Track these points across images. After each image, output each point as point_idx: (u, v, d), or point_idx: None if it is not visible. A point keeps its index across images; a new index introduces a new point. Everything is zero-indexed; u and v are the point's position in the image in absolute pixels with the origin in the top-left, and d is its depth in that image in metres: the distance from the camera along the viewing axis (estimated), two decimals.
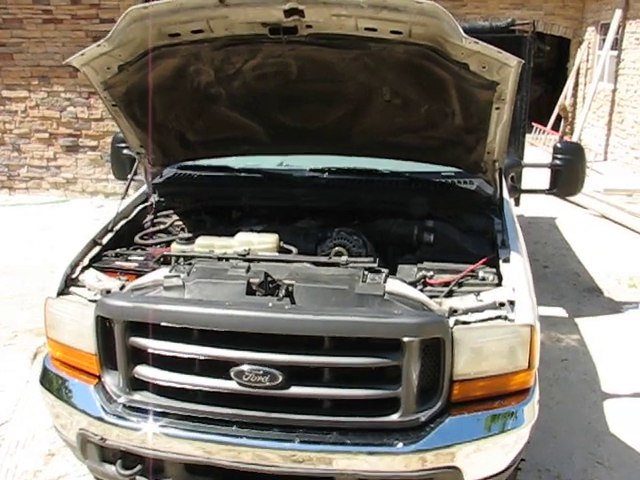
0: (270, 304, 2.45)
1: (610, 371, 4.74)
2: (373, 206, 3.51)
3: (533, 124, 14.47)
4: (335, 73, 3.08)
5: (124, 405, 2.62)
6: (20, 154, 10.18)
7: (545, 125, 14.92)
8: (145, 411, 2.59)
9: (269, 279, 2.57)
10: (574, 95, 15.16)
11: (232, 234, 3.19)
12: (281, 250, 3.11)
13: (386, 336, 2.38)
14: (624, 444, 3.89)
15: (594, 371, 4.76)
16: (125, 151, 4.11)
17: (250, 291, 2.57)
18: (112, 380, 2.66)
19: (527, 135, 6.83)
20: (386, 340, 2.38)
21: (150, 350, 2.56)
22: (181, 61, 3.05)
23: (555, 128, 14.87)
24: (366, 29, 2.72)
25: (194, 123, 3.53)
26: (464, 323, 2.49)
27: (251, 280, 2.58)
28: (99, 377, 2.71)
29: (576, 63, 14.92)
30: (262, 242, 3.09)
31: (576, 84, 15.09)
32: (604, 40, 13.51)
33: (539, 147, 14.21)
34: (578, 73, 14.97)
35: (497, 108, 2.84)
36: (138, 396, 2.61)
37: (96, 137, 9.95)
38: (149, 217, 3.66)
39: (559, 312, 5.80)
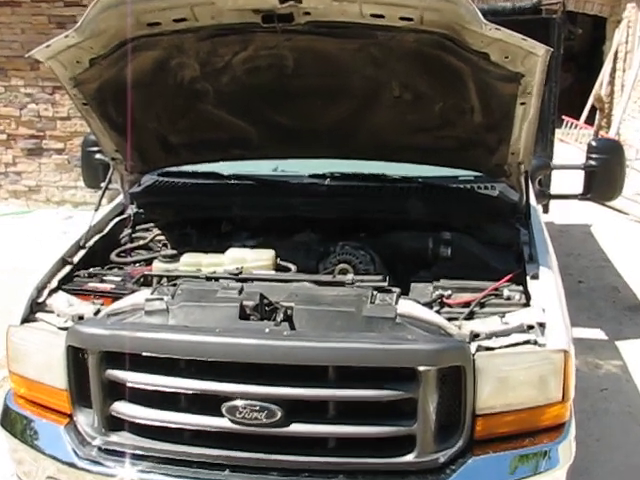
0: (266, 330, 2.48)
1: None
2: (382, 216, 3.56)
3: (563, 118, 14.51)
4: (337, 66, 3.12)
5: (99, 448, 2.64)
6: None
7: (577, 118, 14.95)
8: (124, 454, 2.61)
9: (265, 301, 2.60)
10: (611, 83, 15.16)
11: (222, 250, 3.23)
12: (278, 268, 3.15)
13: (399, 365, 2.41)
14: None
15: (639, 402, 4.76)
16: (98, 156, 4.15)
17: (243, 315, 2.60)
18: (86, 419, 2.68)
19: (557, 131, 6.86)
20: (399, 369, 2.41)
21: (130, 384, 2.59)
22: (162, 54, 3.08)
23: (589, 121, 14.88)
24: (372, 15, 2.75)
25: (177, 124, 3.57)
26: (488, 349, 2.52)
27: (244, 303, 2.62)
28: (70, 416, 2.73)
29: (613, 46, 14.92)
30: (256, 259, 3.12)
31: (613, 70, 15.10)
32: None
33: (571, 144, 14.26)
34: (616, 57, 14.98)
35: (522, 103, 2.87)
36: (116, 437, 2.63)
37: (62, 138, 9.89)
38: (126, 231, 3.70)
39: (597, 334, 5.81)
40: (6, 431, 2.87)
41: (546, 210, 5.71)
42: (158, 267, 3.23)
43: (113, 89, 3.18)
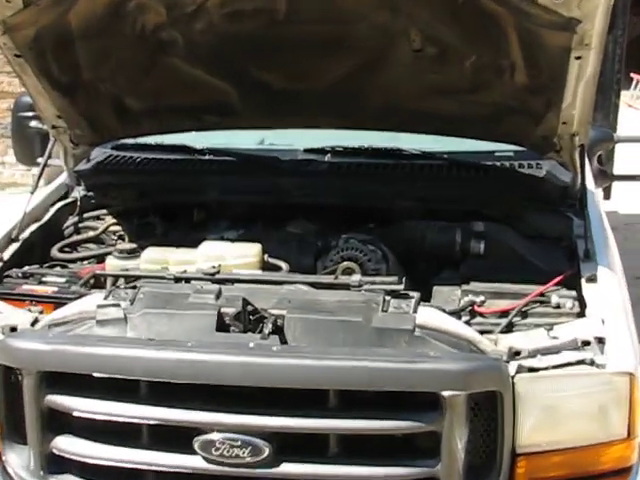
0: (251, 344, 2.50)
1: None
2: (396, 202, 3.60)
3: (632, 76, 14.51)
4: (341, 11, 3.14)
5: None
6: None
7: None
8: None
9: (249, 308, 2.62)
10: None
11: (194, 244, 3.27)
12: (266, 266, 3.19)
13: (418, 389, 2.43)
14: None
15: None
16: (34, 123, 4.16)
17: (222, 326, 2.63)
18: (18, 459, 2.69)
19: (623, 93, 6.83)
20: (418, 395, 2.44)
21: (77, 413, 2.60)
22: None
23: None
24: None
25: (137, 84, 3.59)
26: (531, 370, 2.53)
27: (223, 310, 2.65)
28: None
29: None
30: (238, 255, 3.16)
31: None
32: None
33: None
34: None
35: (577, 57, 2.88)
36: None
37: None
38: (72, 220, 3.74)
39: None
40: None
41: (607, 195, 5.71)
42: (113, 265, 3.26)
43: (54, 38, 3.19)
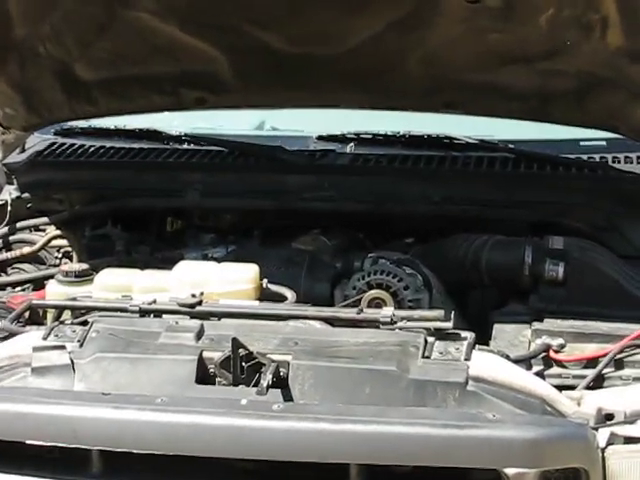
0: (243, 401, 2.46)
1: None
2: (444, 209, 3.60)
3: None
4: None
5: None
6: None
7: None
8: None
9: (241, 352, 2.60)
10: None
11: (167, 264, 3.27)
12: (265, 296, 3.16)
13: (472, 465, 2.41)
14: None
15: None
16: None
17: (204, 376, 2.61)
18: None
19: None
20: (473, 472, 2.43)
21: None
22: None
23: None
24: None
25: (91, 45, 3.58)
26: (628, 441, 2.50)
27: (206, 355, 2.63)
28: None
29: None
30: (227, 280, 3.14)
31: None
32: None
33: None
34: None
35: None
36: None
37: None
38: (0, 230, 3.74)
39: None
40: None
41: None
42: (56, 292, 3.24)
43: None
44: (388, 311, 2.90)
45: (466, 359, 2.65)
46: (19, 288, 3.42)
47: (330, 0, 3.32)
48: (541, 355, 2.90)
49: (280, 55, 3.53)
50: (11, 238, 3.72)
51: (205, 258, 3.35)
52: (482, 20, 3.30)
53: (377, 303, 3.13)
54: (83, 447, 2.48)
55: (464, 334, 2.76)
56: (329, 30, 3.42)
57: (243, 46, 3.54)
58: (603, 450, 2.44)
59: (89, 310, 2.99)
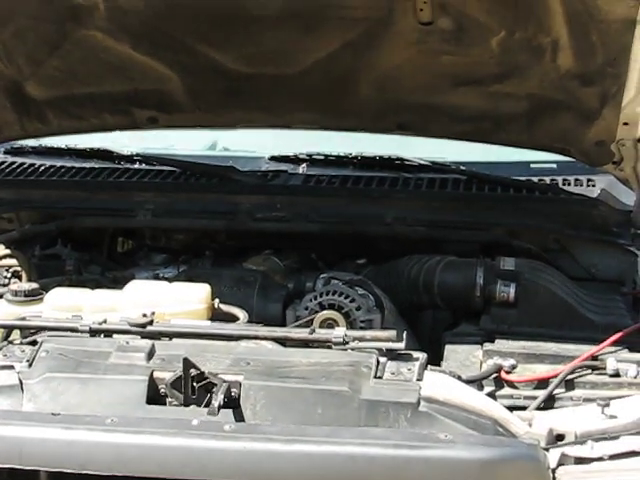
0: (194, 422, 2.44)
1: None
2: (395, 229, 3.59)
3: None
4: None
5: None
6: None
7: None
8: None
9: (192, 372, 2.57)
10: None
11: (118, 284, 3.23)
12: (216, 316, 3.13)
13: None
14: None
15: None
16: None
17: (155, 396, 2.58)
18: None
19: None
20: None
21: None
22: None
23: None
24: None
25: (43, 64, 3.56)
26: (580, 461, 2.50)
27: (157, 375, 2.60)
28: None
29: None
30: (179, 300, 3.11)
31: None
32: None
33: None
34: None
35: None
36: None
37: None
38: None
39: None
40: None
41: None
42: (5, 312, 3.20)
43: None
44: (340, 331, 2.87)
45: (418, 379, 2.64)
46: None
47: (283, 21, 3.32)
48: (492, 376, 2.90)
49: (233, 75, 3.53)
50: None
51: (156, 278, 3.34)
52: (434, 42, 3.32)
53: (329, 323, 3.12)
54: (31, 468, 2.45)
55: (416, 355, 2.75)
56: (282, 50, 3.43)
57: (196, 66, 3.55)
58: (554, 471, 2.44)
59: (38, 330, 2.96)
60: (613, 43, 2.97)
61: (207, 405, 2.51)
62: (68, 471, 2.41)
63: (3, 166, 3.94)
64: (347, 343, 2.81)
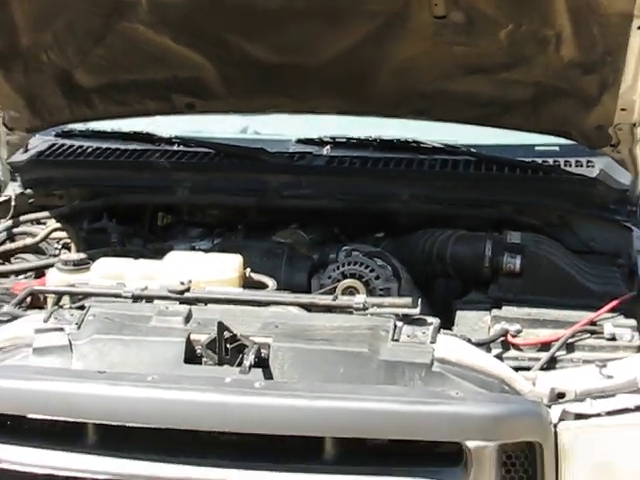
0: (227, 379, 2.46)
1: None
2: (411, 206, 3.60)
3: None
4: None
5: None
6: None
7: None
8: None
9: (226, 335, 2.59)
10: None
11: (158, 255, 3.26)
12: (248, 284, 3.16)
13: (436, 438, 2.40)
14: None
15: None
16: None
17: (191, 356, 2.61)
18: None
19: None
20: (437, 446, 2.41)
21: (3, 465, 2.56)
22: None
23: None
24: None
25: (90, 54, 3.58)
26: (579, 417, 2.50)
27: (193, 337, 2.63)
28: None
29: None
30: (213, 270, 3.13)
31: None
32: None
33: None
34: None
35: None
36: None
37: None
38: (4, 223, 3.73)
39: None
40: None
41: None
42: (56, 279, 3.23)
43: None
44: (360, 298, 2.91)
45: (432, 342, 2.65)
46: (22, 276, 3.40)
47: (309, 15, 3.32)
48: (499, 339, 2.91)
49: (263, 64, 3.54)
50: (14, 230, 3.71)
51: (193, 249, 3.35)
52: (447, 34, 3.32)
53: (350, 291, 3.13)
54: (80, 421, 2.48)
55: (430, 320, 2.77)
56: (309, 42, 3.44)
57: (229, 56, 3.56)
58: (555, 425, 2.46)
59: (86, 296, 2.98)
60: (612, 35, 2.97)
61: (239, 365, 2.54)
62: (114, 424, 2.44)
63: (54, 148, 3.96)
64: (367, 309, 2.83)
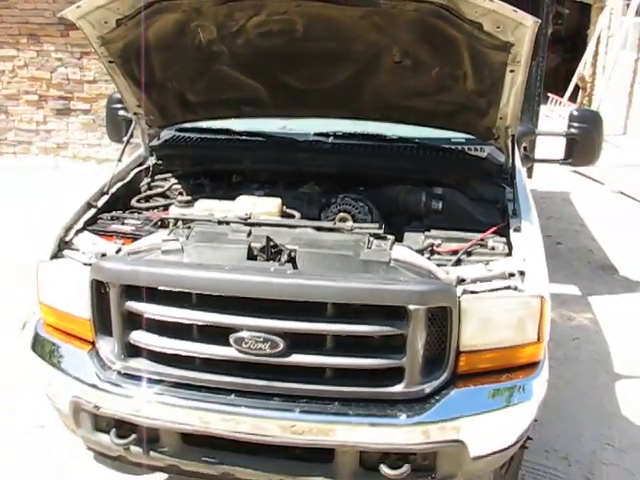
0: (272, 269, 2.48)
1: (623, 351, 4.79)
2: (380, 172, 3.54)
3: (549, 95, 14.38)
4: (343, 32, 3.08)
5: (119, 372, 2.66)
6: (8, 117, 10.18)
7: (562, 97, 14.83)
8: (140, 378, 2.63)
9: (271, 244, 2.60)
10: (594, 65, 15.00)
11: (233, 198, 3.23)
12: (284, 215, 3.15)
13: (391, 303, 2.42)
14: (636, 426, 3.96)
15: (606, 351, 4.81)
16: (121, 112, 4.11)
17: (251, 256, 2.61)
18: (107, 346, 2.69)
19: (542, 107, 6.82)
20: (391, 308, 2.42)
21: (146, 315, 2.60)
22: (182, 16, 3.05)
23: (573, 99, 14.78)
24: None
25: (194, 82, 3.54)
26: (472, 292, 2.53)
27: (252, 245, 2.62)
28: (93, 343, 2.74)
29: (596, 30, 14.74)
30: (264, 206, 3.13)
31: (596, 53, 14.94)
32: (628, 6, 13.37)
33: (555, 119, 14.13)
34: (598, 41, 14.81)
35: (511, 70, 2.85)
36: (133, 363, 2.65)
37: (89, 100, 9.90)
38: (146, 180, 3.70)
39: (572, 290, 5.85)
40: (37, 355, 2.88)
41: (530, 175, 5.68)
42: (174, 212, 3.23)
43: (136, 48, 3.14)
44: (349, 224, 2.94)
45: (390, 249, 2.66)
46: (156, 210, 3.39)
47: (322, 60, 3.29)
48: (428, 249, 2.92)
49: (294, 89, 3.50)
50: (152, 184, 3.70)
51: (253, 195, 3.32)
52: (401, 72, 3.28)
53: (343, 220, 3.14)
54: (187, 291, 2.52)
55: (389, 237, 2.77)
56: (321, 76, 3.40)
57: (274, 84, 3.52)
58: (459, 297, 2.49)
59: (191, 221, 2.99)
60: (495, 74, 2.94)
61: (278, 261, 2.56)
62: (206, 293, 2.49)
63: (175, 137, 3.95)
64: (352, 230, 2.85)
